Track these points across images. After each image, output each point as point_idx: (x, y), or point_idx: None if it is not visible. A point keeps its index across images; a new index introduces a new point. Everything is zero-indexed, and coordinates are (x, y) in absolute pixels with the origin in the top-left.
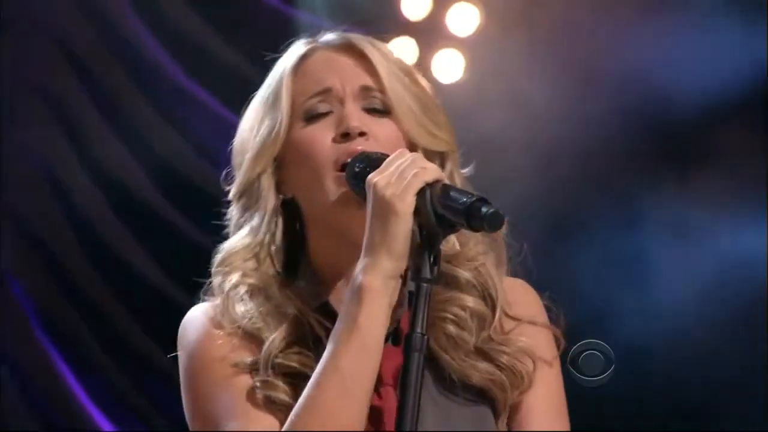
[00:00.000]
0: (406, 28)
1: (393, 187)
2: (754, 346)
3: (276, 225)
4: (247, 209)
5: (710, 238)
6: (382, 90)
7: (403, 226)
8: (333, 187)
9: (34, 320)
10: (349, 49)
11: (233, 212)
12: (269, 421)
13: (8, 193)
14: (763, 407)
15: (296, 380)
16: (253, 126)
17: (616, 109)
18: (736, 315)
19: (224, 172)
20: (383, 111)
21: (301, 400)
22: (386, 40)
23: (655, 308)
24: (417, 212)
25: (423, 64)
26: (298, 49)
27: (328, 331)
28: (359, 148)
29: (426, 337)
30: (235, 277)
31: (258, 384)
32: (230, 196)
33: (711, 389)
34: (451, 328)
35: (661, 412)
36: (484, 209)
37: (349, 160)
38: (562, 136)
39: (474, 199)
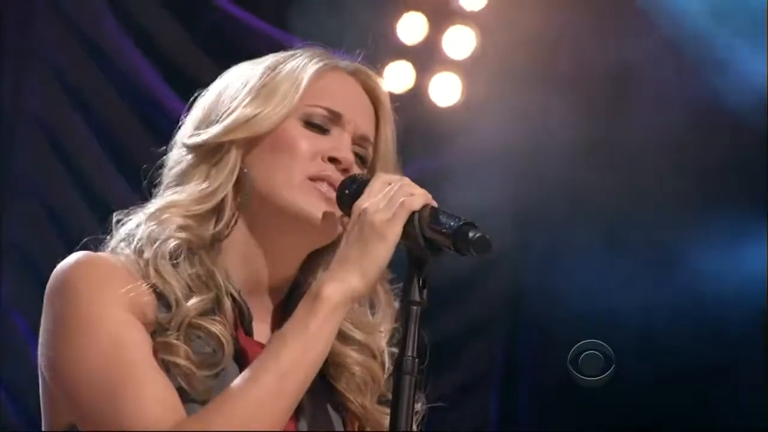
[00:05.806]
0: (402, 52)
1: (382, 214)
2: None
3: (227, 189)
4: (202, 163)
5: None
6: (375, 147)
7: (385, 252)
8: (297, 189)
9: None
10: (369, 90)
11: (182, 157)
12: (169, 388)
13: (8, 225)
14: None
15: (198, 347)
16: (244, 87)
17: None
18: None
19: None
20: (365, 163)
21: (233, 387)
22: (383, 64)
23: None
24: (405, 235)
25: (420, 88)
26: (324, 57)
27: (234, 317)
28: (334, 176)
29: (417, 360)
30: (170, 229)
31: (161, 345)
32: (188, 141)
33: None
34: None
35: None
36: (471, 234)
37: (325, 174)
38: (562, 157)
39: (461, 223)
